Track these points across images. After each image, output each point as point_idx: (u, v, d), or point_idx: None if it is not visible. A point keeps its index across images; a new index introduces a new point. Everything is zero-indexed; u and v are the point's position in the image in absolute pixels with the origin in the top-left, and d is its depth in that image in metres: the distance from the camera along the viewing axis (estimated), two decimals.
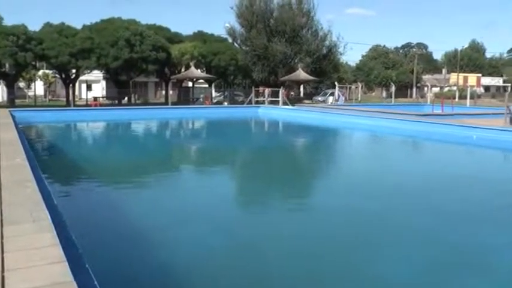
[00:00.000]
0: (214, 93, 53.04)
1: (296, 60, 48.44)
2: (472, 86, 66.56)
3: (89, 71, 44.82)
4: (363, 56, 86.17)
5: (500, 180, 12.59)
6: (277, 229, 7.75)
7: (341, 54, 54.30)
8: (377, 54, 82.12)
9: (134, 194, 10.22)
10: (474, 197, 10.32)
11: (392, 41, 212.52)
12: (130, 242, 6.93)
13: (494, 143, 19.12)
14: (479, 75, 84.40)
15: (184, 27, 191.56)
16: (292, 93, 51.34)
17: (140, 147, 19.63)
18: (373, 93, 78.62)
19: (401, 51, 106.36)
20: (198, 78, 48.67)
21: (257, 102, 40.78)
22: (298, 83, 52.19)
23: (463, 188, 11.32)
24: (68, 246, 4.55)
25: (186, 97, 48.72)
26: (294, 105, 39.08)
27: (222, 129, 28.15)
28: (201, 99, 45.91)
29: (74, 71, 43.13)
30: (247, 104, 40.74)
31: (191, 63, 45.09)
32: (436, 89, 72.57)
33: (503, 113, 24.26)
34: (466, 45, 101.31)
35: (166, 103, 46.53)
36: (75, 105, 40.32)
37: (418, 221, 8.22)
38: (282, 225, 8.04)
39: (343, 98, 47.96)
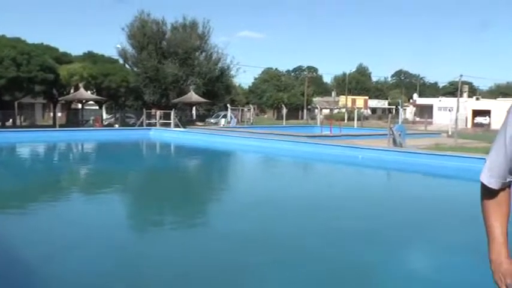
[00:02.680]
0: (105, 115, 51.78)
1: (188, 82, 48.29)
2: (359, 108, 69.29)
3: None
4: (255, 79, 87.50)
5: (381, 198, 13.01)
6: (163, 252, 7.49)
7: (233, 76, 54.90)
8: (269, 77, 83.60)
9: (15, 221, 9.60)
10: (359, 215, 10.51)
11: (284, 64, 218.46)
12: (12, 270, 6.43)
13: (378, 162, 19.85)
14: (367, 97, 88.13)
15: (74, 47, 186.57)
16: (178, 116, 50.98)
17: (23, 172, 18.60)
18: (266, 115, 79.84)
19: (292, 74, 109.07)
20: (87, 100, 47.30)
21: (149, 125, 40.16)
22: (190, 105, 52.04)
23: (348, 207, 11.52)
24: None
25: (75, 119, 47.17)
26: (186, 128, 38.83)
27: (112, 152, 27.36)
28: (91, 122, 44.63)
29: None
30: (139, 126, 40.05)
31: (80, 85, 43.73)
32: (326, 111, 74.87)
33: (386, 134, 25.32)
34: (354, 69, 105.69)
35: (54, 125, 44.81)
36: None
37: (304, 240, 8.24)
38: (166, 248, 7.80)
39: (235, 120, 48.25)
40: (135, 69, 49.35)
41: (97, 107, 51.73)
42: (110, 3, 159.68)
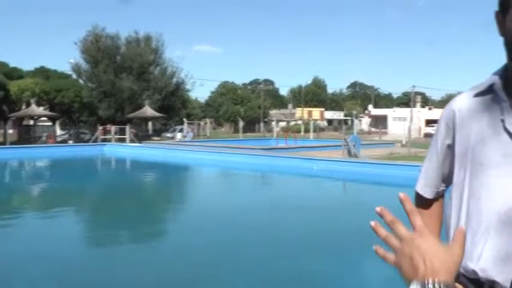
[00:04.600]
0: (58, 132, 50.84)
1: (144, 97, 47.92)
2: (316, 120, 69.85)
3: None
4: (212, 92, 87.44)
5: (334, 208, 13.10)
6: (115, 270, 7.37)
7: (189, 90, 54.76)
8: (226, 90, 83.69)
9: None
10: (313, 226, 10.55)
11: (241, 77, 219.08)
12: None
13: (332, 173, 20.01)
14: (323, 109, 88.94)
15: (25, 63, 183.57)
16: (134, 130, 50.52)
17: None
18: (223, 129, 79.73)
19: (249, 87, 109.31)
20: (39, 116, 46.42)
21: (104, 140, 39.63)
22: (146, 119, 51.60)
23: (303, 218, 11.56)
24: None
25: (27, 136, 46.13)
26: (141, 143, 38.44)
27: (65, 169, 26.87)
28: (44, 138, 43.75)
29: None
30: (93, 142, 39.44)
31: (32, 101, 42.92)
32: (282, 124, 75.21)
33: (342, 145, 25.58)
34: (310, 82, 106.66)
35: (4, 143, 43.76)
36: None
37: (257, 252, 8.22)
38: (117, 265, 7.67)
39: (192, 134, 48.06)
40: (89, 84, 48.71)
41: (50, 123, 50.75)
42: (62, 18, 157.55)
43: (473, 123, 1.64)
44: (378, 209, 1.01)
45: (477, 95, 1.65)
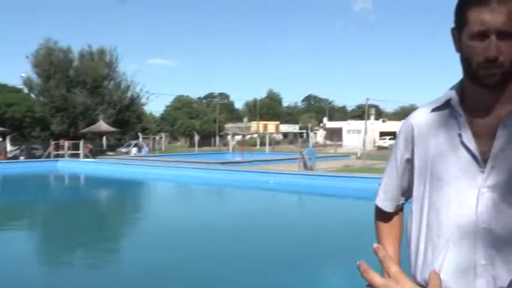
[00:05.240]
0: (9, 147, 49.58)
1: (98, 112, 47.26)
2: (271, 133, 70.16)
3: None
4: (167, 106, 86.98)
5: (289, 221, 13.15)
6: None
7: (144, 104, 54.30)
8: (181, 104, 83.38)
9: None
10: (270, 239, 10.54)
11: (196, 91, 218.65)
12: None
13: (289, 186, 20.11)
14: (278, 122, 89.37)
15: None
16: (89, 145, 49.81)
17: None
18: (178, 143, 79.28)
19: (204, 101, 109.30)
20: None
21: (57, 156, 38.87)
22: (100, 134, 50.87)
23: (259, 232, 11.55)
24: None
25: None
26: (96, 158, 37.88)
27: (16, 185, 26.23)
28: None
29: None
30: (46, 158, 38.66)
31: None
32: (238, 137, 75.30)
33: (297, 158, 25.74)
34: (265, 95, 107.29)
35: None
36: None
37: (213, 267, 8.16)
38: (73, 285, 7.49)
39: (147, 149, 47.62)
40: (42, 98, 47.76)
41: (0, 139, 49.56)
42: (13, 31, 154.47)
43: (432, 138, 1.68)
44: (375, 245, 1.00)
45: (434, 109, 1.69)
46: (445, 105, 1.66)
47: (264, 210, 15.63)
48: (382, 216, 1.90)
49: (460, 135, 1.60)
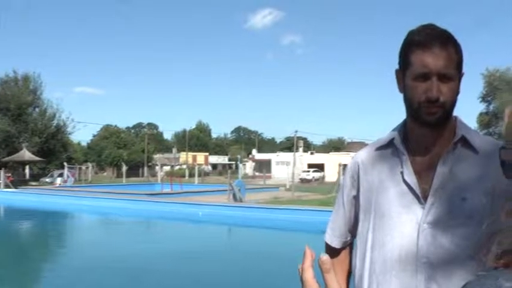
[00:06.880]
0: None
1: (21, 140, 45.79)
2: (200, 165, 69.89)
3: None
4: (94, 136, 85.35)
5: (222, 253, 13.03)
6: None
7: (70, 133, 53.11)
8: (109, 133, 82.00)
9: None
10: (197, 272, 10.38)
11: (124, 120, 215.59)
12: None
13: (218, 218, 19.94)
14: (207, 154, 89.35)
15: None
16: (10, 175, 48.08)
17: None
18: (105, 173, 77.68)
19: (132, 131, 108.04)
20: None
21: None
22: (23, 163, 49.17)
23: (187, 265, 11.37)
24: None
25: None
26: (18, 188, 36.51)
27: None
28: None
29: None
30: None
31: None
32: (167, 168, 74.53)
33: (227, 190, 25.67)
34: (194, 126, 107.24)
35: None
36: None
37: None
38: None
39: (73, 179, 46.33)
40: None
41: None
42: None
43: (375, 175, 1.76)
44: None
45: (378, 148, 1.79)
46: (389, 145, 1.75)
47: (192, 243, 15.42)
48: (331, 251, 1.94)
49: (402, 173, 1.68)
